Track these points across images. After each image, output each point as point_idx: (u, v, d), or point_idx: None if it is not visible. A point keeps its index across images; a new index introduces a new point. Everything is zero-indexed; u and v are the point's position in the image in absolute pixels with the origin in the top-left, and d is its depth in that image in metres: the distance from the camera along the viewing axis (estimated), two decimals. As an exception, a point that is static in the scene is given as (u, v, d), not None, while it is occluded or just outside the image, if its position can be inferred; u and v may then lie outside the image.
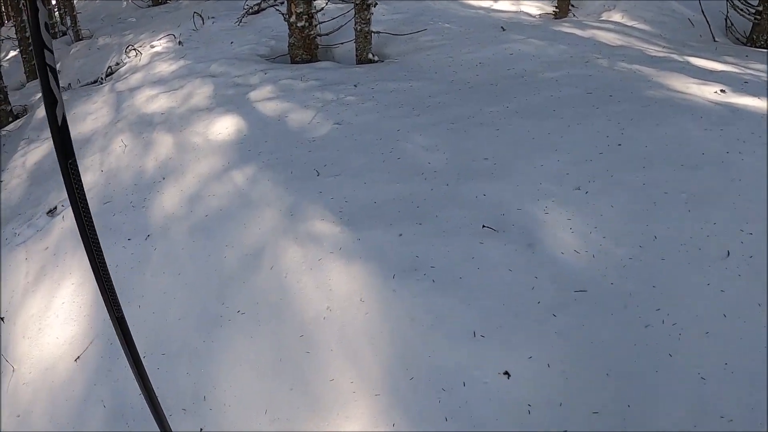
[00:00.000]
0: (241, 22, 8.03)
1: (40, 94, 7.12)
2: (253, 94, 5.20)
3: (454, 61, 5.13)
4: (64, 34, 12.18)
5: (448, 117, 3.80)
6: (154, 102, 5.86)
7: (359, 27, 5.74)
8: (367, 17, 5.71)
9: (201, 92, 5.70)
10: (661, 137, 3.15)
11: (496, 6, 7.09)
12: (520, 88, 4.22)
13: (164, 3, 12.76)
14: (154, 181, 4.19)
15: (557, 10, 6.47)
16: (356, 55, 5.87)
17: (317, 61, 6.13)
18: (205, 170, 4.01)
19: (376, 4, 5.74)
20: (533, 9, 6.87)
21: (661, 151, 3.01)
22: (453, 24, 6.50)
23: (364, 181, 3.13)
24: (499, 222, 2.61)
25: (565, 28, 5.72)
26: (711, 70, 4.42)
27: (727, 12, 6.11)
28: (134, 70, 7.52)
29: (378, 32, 5.86)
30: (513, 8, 6.93)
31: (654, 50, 5.08)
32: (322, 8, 6.01)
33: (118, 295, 1.22)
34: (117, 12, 13.94)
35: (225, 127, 4.60)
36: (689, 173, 2.82)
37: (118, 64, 8.30)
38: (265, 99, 4.98)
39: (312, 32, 6.15)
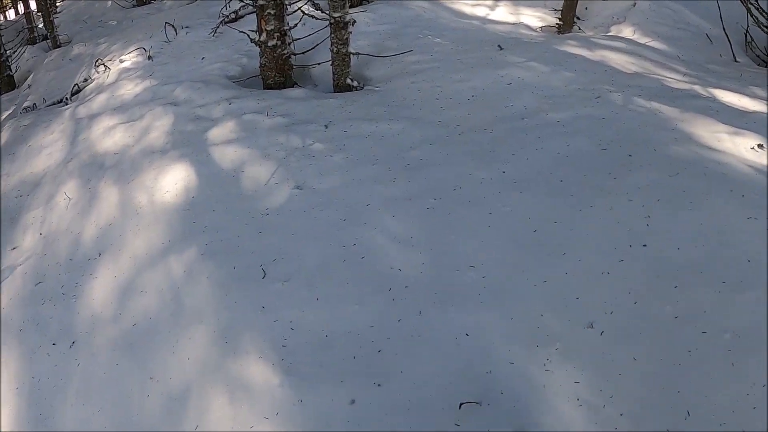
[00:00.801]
0: (215, 32, 7.22)
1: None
2: (213, 133, 4.44)
3: (442, 93, 4.34)
4: (45, 38, 11.38)
5: (429, 185, 3.05)
6: (111, 136, 5.12)
7: (336, 48, 4.94)
8: (345, 37, 4.91)
9: (159, 125, 4.95)
10: (696, 231, 2.40)
11: (493, 15, 6.24)
12: (519, 137, 3.45)
13: (148, 3, 11.91)
14: (90, 258, 3.47)
15: (561, 22, 5.63)
16: (333, 80, 5.08)
17: (290, 87, 5.35)
18: (143, 249, 3.28)
19: (354, 22, 4.93)
20: (534, 20, 6.00)
21: (696, 258, 2.26)
22: (444, 38, 5.68)
23: (316, 295, 2.40)
24: (484, 385, 1.88)
25: (571, 47, 4.89)
26: (741, 110, 3.62)
27: (747, 26, 5.27)
28: (100, 89, 6.75)
29: (358, 53, 5.06)
30: (511, 19, 6.08)
31: (673, 78, 4.27)
32: (296, 25, 5.21)
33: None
34: (100, 12, 13.07)
35: (174, 182, 3.86)
36: (732, 297, 2.08)
37: (86, 80, 7.53)
38: (224, 142, 4.22)
39: (285, 51, 5.36)
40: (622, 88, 4.06)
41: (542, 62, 4.59)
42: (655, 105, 3.75)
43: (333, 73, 5.04)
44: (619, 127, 3.44)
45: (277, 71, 5.39)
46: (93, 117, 5.77)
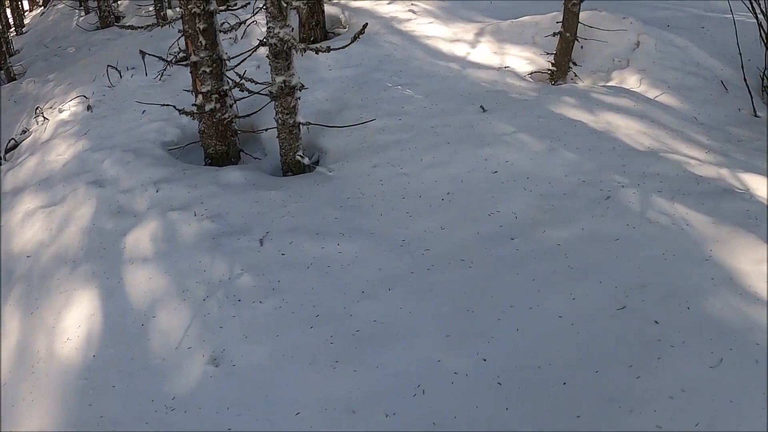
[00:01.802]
0: (162, 75, 6.19)
1: None
2: (131, 240, 3.45)
3: (410, 185, 3.35)
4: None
5: (381, 381, 2.08)
6: (30, 225, 4.13)
7: (282, 118, 3.94)
8: (292, 105, 3.90)
9: (79, 217, 3.96)
10: None
11: (474, 55, 5.20)
12: (507, 280, 2.48)
13: (109, 27, 10.82)
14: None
15: (554, 68, 4.64)
16: (281, 156, 4.08)
17: (233, 162, 4.36)
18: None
19: (303, 87, 3.92)
20: (521, 62, 4.97)
21: None
22: (417, 89, 4.66)
23: None
24: None
25: (569, 109, 3.90)
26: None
27: (765, 68, 4.28)
28: (34, 148, 5.73)
29: (309, 124, 4.05)
30: (495, 60, 5.04)
31: (696, 159, 3.28)
32: (238, 83, 4.20)
33: None
34: (64, 34, 11.96)
35: (77, 324, 2.89)
36: None
37: (24, 132, 6.51)
38: (141, 259, 3.23)
39: (226, 116, 4.35)
40: (637, 178, 3.08)
41: (536, 134, 3.60)
42: (680, 211, 2.78)
43: (280, 148, 4.04)
44: (639, 260, 2.47)
45: (218, 139, 4.38)
46: (17, 194, 4.76)
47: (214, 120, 4.32)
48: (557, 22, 4.73)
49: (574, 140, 3.52)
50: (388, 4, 6.64)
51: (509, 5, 6.63)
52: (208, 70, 4.19)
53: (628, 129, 3.66)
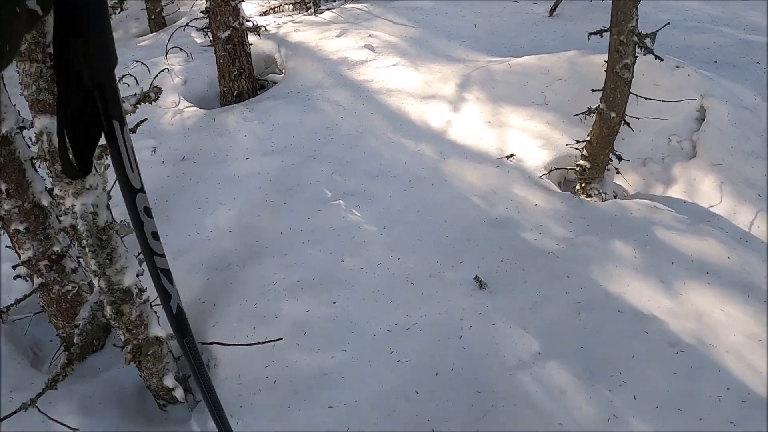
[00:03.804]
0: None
1: None
2: None
3: None
4: None
5: None
6: None
7: (126, 338, 2.16)
8: (135, 317, 2.12)
9: None
10: None
11: (458, 128, 3.25)
12: None
13: None
14: None
15: (587, 164, 2.79)
16: (144, 381, 2.32)
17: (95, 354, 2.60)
18: None
19: (142, 292, 2.12)
20: (532, 145, 3.03)
21: None
22: (370, 209, 2.84)
23: None
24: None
25: (623, 274, 2.13)
26: None
27: None
28: None
29: (178, 359, 2.26)
30: (490, 139, 3.12)
31: None
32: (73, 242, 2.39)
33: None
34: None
35: None
36: None
37: None
38: None
39: (68, 288, 2.55)
40: None
41: (579, 366, 1.88)
42: None
43: (139, 371, 2.28)
44: None
45: (67, 320, 2.61)
46: None
47: (52, 296, 2.53)
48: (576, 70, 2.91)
49: (648, 390, 1.78)
50: (338, 36, 4.71)
51: (498, 29, 4.77)
52: (22, 228, 2.38)
53: (734, 334, 1.93)
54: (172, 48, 5.03)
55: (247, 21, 4.39)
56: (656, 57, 2.58)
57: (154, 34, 7.40)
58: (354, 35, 4.67)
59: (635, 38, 2.50)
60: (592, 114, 2.77)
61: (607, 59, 2.64)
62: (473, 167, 3.07)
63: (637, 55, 2.57)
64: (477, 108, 3.55)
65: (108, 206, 1.88)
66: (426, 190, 2.96)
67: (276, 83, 4.56)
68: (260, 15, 6.40)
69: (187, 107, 4.44)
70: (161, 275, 0.87)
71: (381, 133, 3.50)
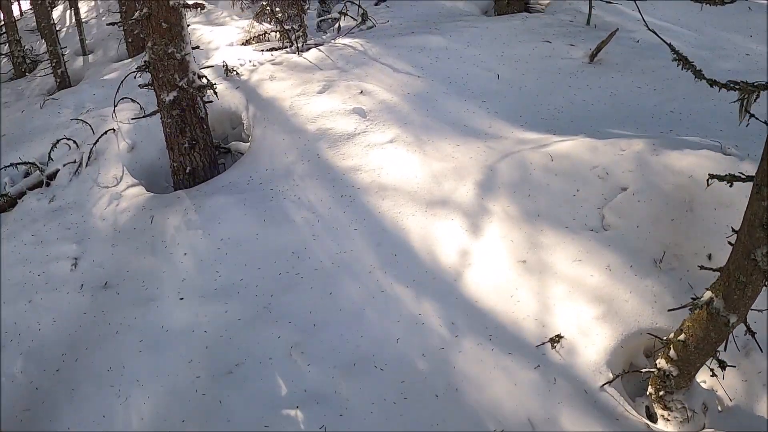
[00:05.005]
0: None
1: None
2: None
3: None
4: None
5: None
6: None
7: None
8: None
9: None
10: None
11: (475, 274, 2.18)
12: None
13: (24, 76, 7.50)
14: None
15: (674, 370, 1.56)
16: None
17: None
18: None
19: None
20: (585, 314, 1.92)
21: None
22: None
23: None
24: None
25: None
26: None
27: None
28: None
29: None
30: (528, 302, 2.01)
31: None
32: None
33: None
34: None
35: None
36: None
37: None
38: None
39: None
40: None
41: None
42: None
43: None
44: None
45: None
46: None
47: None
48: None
49: None
50: (320, 93, 3.58)
51: (527, 81, 3.59)
52: None
53: None
54: (122, 99, 3.96)
55: (200, 77, 3.30)
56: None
57: (129, 60, 6.33)
58: (341, 91, 3.54)
59: None
60: (695, 309, 1.67)
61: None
62: (500, 365, 1.99)
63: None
64: (506, 232, 2.45)
65: None
66: (427, 408, 1.89)
67: (240, 155, 3.49)
68: (242, 44, 5.29)
69: (129, 187, 3.41)
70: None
71: (366, 272, 2.42)
